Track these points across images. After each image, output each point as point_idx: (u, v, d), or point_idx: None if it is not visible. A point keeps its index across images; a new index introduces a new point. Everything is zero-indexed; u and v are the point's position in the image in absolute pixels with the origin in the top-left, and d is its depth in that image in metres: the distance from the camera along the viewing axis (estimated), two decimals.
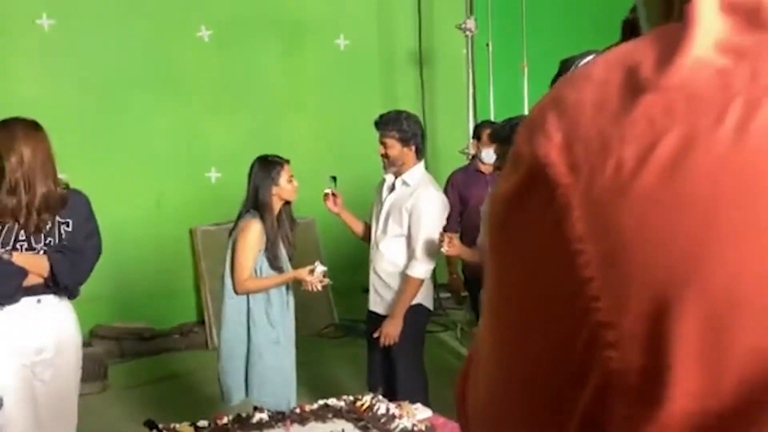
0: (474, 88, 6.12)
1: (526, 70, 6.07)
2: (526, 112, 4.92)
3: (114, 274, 5.05)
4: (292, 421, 2.69)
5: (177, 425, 2.64)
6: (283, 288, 3.46)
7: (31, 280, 2.73)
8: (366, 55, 6.62)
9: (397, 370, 3.61)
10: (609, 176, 0.35)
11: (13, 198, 2.67)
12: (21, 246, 2.72)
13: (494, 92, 6.20)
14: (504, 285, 0.41)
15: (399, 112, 3.71)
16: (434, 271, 3.76)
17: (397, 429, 2.59)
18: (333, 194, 3.75)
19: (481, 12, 6.05)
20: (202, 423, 2.67)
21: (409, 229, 3.58)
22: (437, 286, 4.35)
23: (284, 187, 3.39)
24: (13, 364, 2.72)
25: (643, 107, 0.36)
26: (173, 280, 5.93)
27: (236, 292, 3.37)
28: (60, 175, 2.84)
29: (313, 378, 4.48)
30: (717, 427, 0.34)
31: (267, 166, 3.41)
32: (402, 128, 3.59)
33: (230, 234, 3.44)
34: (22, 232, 2.72)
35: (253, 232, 3.32)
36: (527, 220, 0.39)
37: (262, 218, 3.34)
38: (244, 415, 2.75)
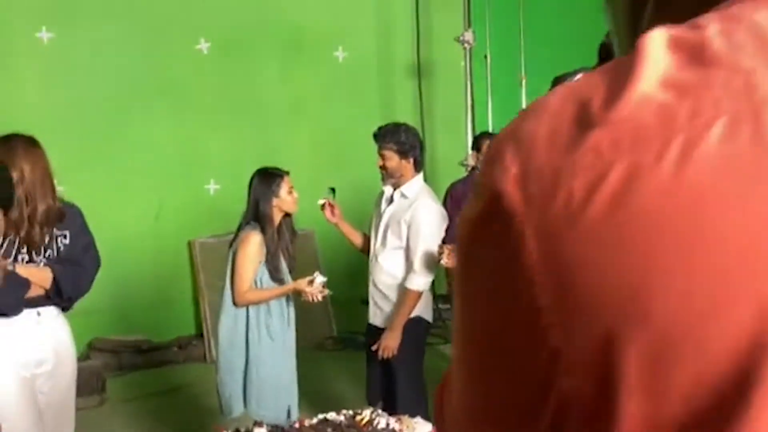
0: (472, 99, 6.14)
1: (524, 81, 6.09)
2: None
3: (112, 286, 5.04)
4: None
5: None
6: (284, 300, 3.46)
7: (32, 292, 2.76)
8: (365, 67, 6.64)
9: (396, 384, 3.59)
10: (560, 207, 0.37)
11: (15, 211, 2.70)
12: (22, 259, 2.77)
13: (492, 104, 6.22)
14: (468, 308, 0.43)
15: (397, 125, 3.71)
16: (433, 282, 3.75)
17: None
18: (330, 204, 3.75)
19: (479, 24, 6.07)
20: None
21: (408, 242, 3.57)
22: (436, 297, 4.34)
23: (285, 199, 3.39)
24: (16, 376, 2.73)
25: (592, 141, 0.36)
26: (172, 293, 5.92)
27: (236, 304, 3.37)
28: (58, 187, 2.88)
29: (312, 391, 4.46)
30: None
31: (267, 178, 3.42)
32: (400, 140, 3.60)
33: (230, 246, 3.44)
34: (23, 245, 2.75)
35: (253, 244, 3.32)
36: (488, 248, 0.40)
37: (263, 230, 3.35)
38: (243, 429, 2.74)
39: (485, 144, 4.40)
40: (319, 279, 3.42)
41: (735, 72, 0.35)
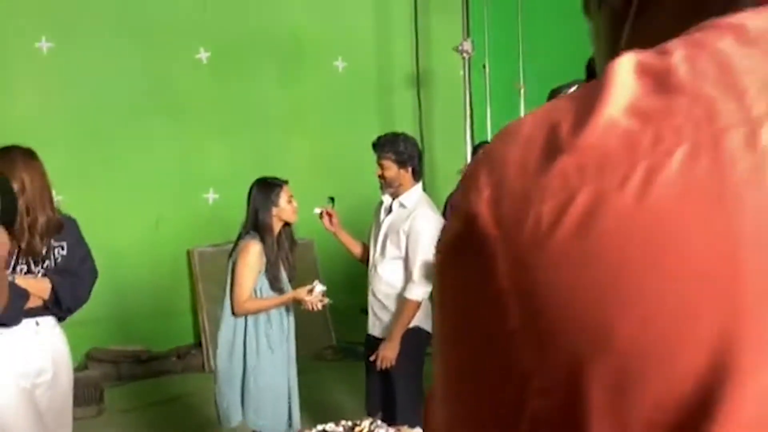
0: (471, 109, 6.14)
1: (522, 91, 6.11)
2: None
3: (111, 296, 5.03)
4: None
5: None
6: (283, 309, 3.45)
7: (31, 302, 2.77)
8: (364, 77, 6.66)
9: (395, 394, 3.58)
10: (529, 231, 0.37)
11: (16, 223, 2.70)
12: (21, 270, 2.78)
13: (491, 113, 6.22)
14: (444, 329, 0.43)
15: (396, 134, 3.72)
16: (432, 292, 3.74)
17: None
18: (328, 213, 3.75)
19: (478, 34, 6.08)
20: None
21: (407, 251, 3.57)
22: None
23: (284, 208, 3.39)
24: (16, 387, 2.74)
25: (559, 166, 0.37)
26: (170, 302, 5.91)
27: (235, 314, 3.36)
28: (57, 197, 2.90)
29: (311, 401, 4.45)
30: None
31: (266, 187, 3.42)
32: (398, 150, 3.60)
33: (230, 255, 3.44)
34: (24, 255, 2.77)
35: (253, 254, 3.32)
36: (462, 269, 0.41)
37: (263, 239, 3.34)
38: None
39: None
40: (319, 288, 3.42)
41: (697, 100, 0.36)
